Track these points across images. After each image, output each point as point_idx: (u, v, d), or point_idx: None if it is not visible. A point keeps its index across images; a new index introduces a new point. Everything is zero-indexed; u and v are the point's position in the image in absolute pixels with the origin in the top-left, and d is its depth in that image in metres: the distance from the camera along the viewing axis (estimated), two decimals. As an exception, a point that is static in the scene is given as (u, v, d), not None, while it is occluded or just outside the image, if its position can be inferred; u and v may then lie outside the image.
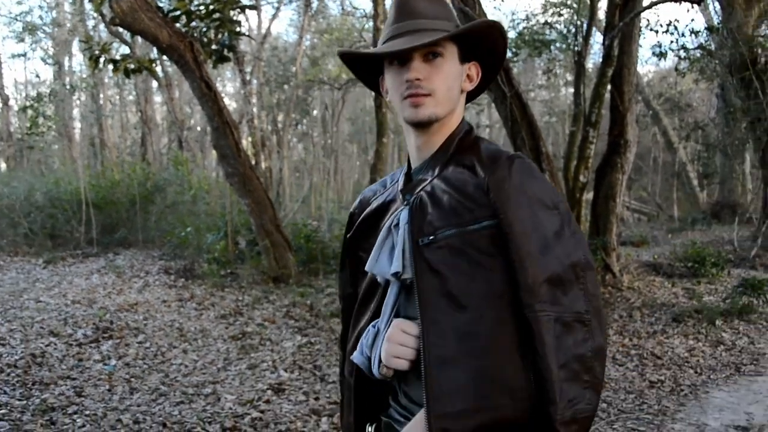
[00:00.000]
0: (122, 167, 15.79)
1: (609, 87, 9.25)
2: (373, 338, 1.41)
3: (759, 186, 14.83)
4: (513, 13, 39.55)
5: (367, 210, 1.57)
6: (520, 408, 1.27)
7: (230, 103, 24.34)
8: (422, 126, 1.42)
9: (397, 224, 1.42)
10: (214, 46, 8.74)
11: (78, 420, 4.37)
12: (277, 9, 19.85)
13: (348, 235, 1.62)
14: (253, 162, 11.44)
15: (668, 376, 5.55)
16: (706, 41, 13.14)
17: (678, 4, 9.82)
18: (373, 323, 1.44)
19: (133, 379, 5.27)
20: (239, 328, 6.73)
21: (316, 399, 4.89)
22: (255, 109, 17.62)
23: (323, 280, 9.07)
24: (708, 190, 19.84)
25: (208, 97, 8.38)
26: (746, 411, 4.77)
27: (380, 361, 1.36)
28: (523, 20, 15.31)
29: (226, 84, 28.78)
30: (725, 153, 14.19)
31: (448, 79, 1.41)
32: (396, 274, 1.37)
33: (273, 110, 21.33)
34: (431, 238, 1.34)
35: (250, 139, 16.78)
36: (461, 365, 1.26)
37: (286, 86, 20.98)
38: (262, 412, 4.61)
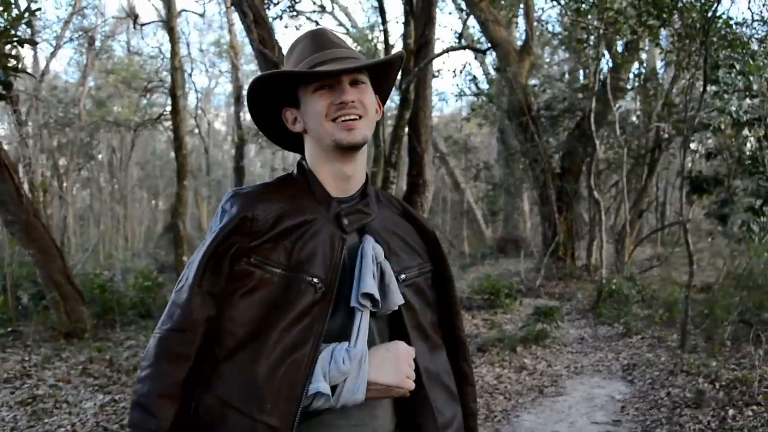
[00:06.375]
0: None
1: (407, 129, 9.65)
2: (358, 362, 1.35)
3: (538, 222, 16.17)
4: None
5: (287, 222, 1.41)
6: (459, 408, 1.58)
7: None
8: (354, 150, 1.46)
9: (374, 255, 1.44)
10: (-13, 83, 7.90)
11: None
12: (56, 46, 18.55)
13: (242, 243, 1.39)
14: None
15: (481, 404, 5.75)
16: (488, 89, 14.24)
17: (463, 51, 10.54)
18: (341, 347, 1.36)
19: None
20: (28, 392, 6.00)
21: (127, 462, 4.46)
22: (33, 153, 16.23)
23: (121, 332, 8.43)
24: (493, 226, 21.32)
25: (-17, 137, 7.57)
26: (553, 430, 5.06)
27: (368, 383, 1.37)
28: (318, 65, 15.59)
29: (-3, 126, 26.34)
30: (508, 191, 15.38)
31: (372, 105, 1.48)
32: (386, 311, 1.44)
33: (53, 154, 19.82)
34: (404, 276, 1.50)
35: (26, 185, 15.38)
36: (439, 384, 1.53)
37: (68, 128, 19.60)
38: (64, 483, 4.12)
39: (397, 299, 1.42)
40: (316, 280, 1.37)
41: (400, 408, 1.49)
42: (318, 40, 1.49)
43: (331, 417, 1.36)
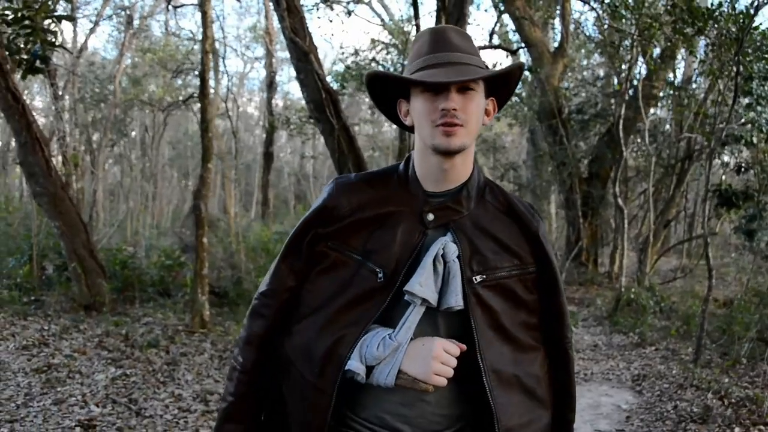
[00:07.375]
0: None
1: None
2: (393, 350, 1.44)
3: (563, 225, 16.05)
4: (341, 47, 40.49)
5: (368, 212, 1.55)
6: (549, 416, 1.58)
7: (38, 119, 22.54)
8: (451, 154, 1.49)
9: (443, 255, 1.48)
10: (24, 56, 8.05)
11: None
12: (95, 23, 18.77)
13: (321, 229, 1.57)
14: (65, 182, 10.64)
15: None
16: (519, 89, 14.12)
17: (493, 50, 10.48)
18: (383, 334, 1.46)
19: None
20: (44, 360, 6.15)
21: (132, 436, 4.55)
22: (67, 127, 16.47)
23: (140, 308, 8.57)
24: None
25: (15, 109, 7.71)
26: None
27: (399, 372, 1.44)
28: (352, 54, 15.62)
29: (35, 98, 26.76)
30: (535, 193, 15.28)
31: (478, 112, 1.50)
32: (448, 309, 1.46)
33: (87, 129, 20.07)
34: (484, 277, 1.50)
35: (59, 158, 15.61)
36: (516, 387, 1.51)
37: (103, 104, 19.83)
38: (69, 452, 4.22)
39: (452, 301, 1.45)
40: (378, 269, 1.50)
41: (472, 403, 1.53)
42: (435, 39, 1.52)
43: (380, 391, 1.49)
